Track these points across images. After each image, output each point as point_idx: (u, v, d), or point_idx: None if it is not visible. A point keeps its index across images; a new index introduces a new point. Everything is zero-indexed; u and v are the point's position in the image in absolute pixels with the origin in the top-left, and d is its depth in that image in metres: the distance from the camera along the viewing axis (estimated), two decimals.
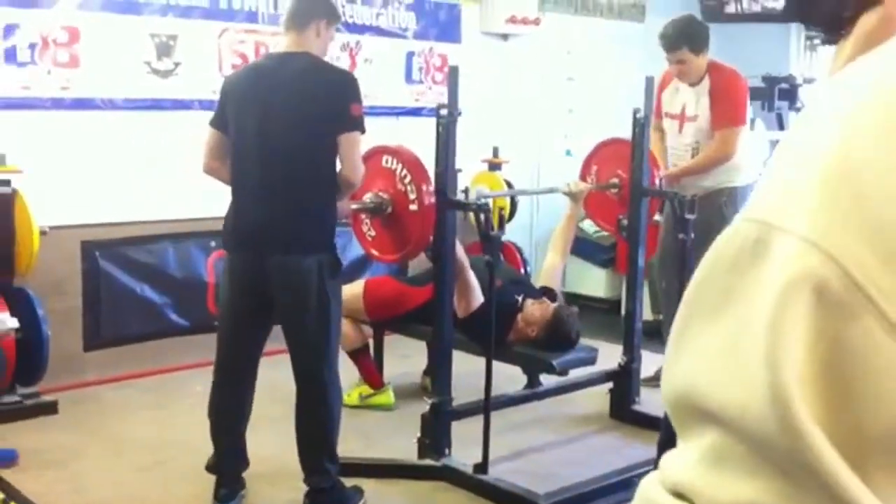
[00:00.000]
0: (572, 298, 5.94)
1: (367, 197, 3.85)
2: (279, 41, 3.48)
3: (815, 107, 0.53)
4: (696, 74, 4.68)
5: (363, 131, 3.29)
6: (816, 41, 7.52)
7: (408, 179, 3.82)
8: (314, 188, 3.27)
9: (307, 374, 3.33)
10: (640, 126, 4.35)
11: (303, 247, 3.24)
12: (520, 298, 4.16)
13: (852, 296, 0.44)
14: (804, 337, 0.45)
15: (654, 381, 4.50)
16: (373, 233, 4.03)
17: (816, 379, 0.45)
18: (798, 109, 6.76)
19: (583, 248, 6.07)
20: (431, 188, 3.75)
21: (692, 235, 4.17)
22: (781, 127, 6.74)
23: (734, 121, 4.67)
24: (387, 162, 3.88)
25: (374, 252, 4.08)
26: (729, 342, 0.48)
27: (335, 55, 5.18)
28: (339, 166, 3.29)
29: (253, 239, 3.28)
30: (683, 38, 4.60)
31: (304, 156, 3.25)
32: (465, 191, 3.85)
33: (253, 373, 3.41)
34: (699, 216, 4.18)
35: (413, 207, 3.82)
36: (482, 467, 3.61)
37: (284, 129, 3.23)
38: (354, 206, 3.79)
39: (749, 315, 0.47)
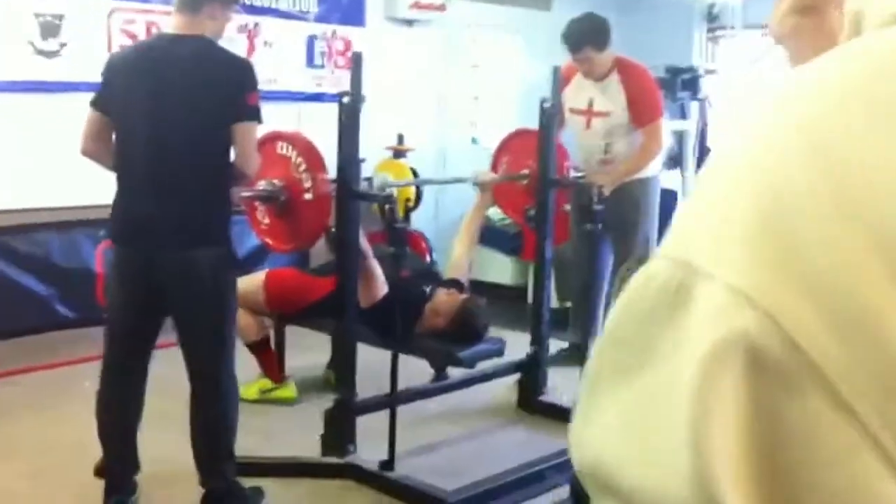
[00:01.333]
0: (478, 286, 5.89)
1: (261, 184, 3.73)
2: (171, 22, 3.29)
3: (754, 118, 0.43)
4: (601, 71, 4.70)
5: (260, 121, 3.15)
6: (718, 33, 7.66)
7: (302, 168, 3.72)
8: (207, 178, 3.11)
9: (201, 370, 3.19)
10: (547, 116, 4.30)
11: (196, 240, 3.09)
12: (428, 290, 4.08)
13: (795, 364, 0.35)
14: (737, 413, 0.36)
15: (556, 359, 4.61)
16: (267, 221, 3.92)
17: (752, 466, 0.36)
18: (700, 100, 6.85)
19: (488, 235, 6.01)
20: (327, 176, 3.66)
21: (599, 226, 4.18)
22: (684, 116, 6.82)
23: (656, 114, 4.76)
24: (282, 149, 3.79)
25: (268, 241, 4.01)
26: (643, 412, 0.39)
27: (232, 37, 4.99)
28: (233, 156, 3.14)
29: (143, 231, 3.10)
30: (586, 38, 4.61)
31: (196, 144, 3.08)
32: (369, 180, 3.76)
33: (144, 368, 3.23)
34: (614, 209, 4.20)
35: (308, 196, 3.73)
36: (388, 464, 3.53)
37: (175, 115, 3.05)
38: (245, 194, 3.66)
39: (668, 381, 0.38)
